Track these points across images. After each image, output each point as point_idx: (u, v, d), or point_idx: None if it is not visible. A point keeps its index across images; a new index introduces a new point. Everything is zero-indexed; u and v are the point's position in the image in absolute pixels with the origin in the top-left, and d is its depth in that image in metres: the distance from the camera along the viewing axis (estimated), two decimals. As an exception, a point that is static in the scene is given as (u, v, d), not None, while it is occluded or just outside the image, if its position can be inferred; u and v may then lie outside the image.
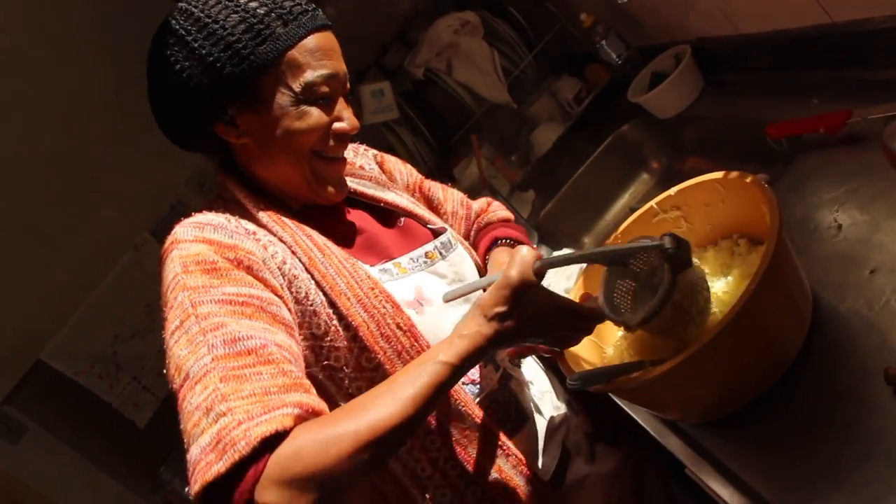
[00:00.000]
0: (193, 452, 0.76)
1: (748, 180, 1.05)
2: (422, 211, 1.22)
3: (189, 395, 0.80)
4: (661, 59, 1.93)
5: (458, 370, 0.86)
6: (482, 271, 1.23)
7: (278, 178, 1.05)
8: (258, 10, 0.96)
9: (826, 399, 0.91)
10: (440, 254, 1.13)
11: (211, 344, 0.82)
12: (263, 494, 0.73)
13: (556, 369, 1.24)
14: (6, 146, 2.42)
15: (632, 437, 1.25)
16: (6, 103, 2.39)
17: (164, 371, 0.86)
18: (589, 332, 0.98)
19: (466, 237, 1.38)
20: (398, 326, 0.97)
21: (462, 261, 1.16)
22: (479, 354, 0.88)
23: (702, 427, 1.04)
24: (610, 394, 1.17)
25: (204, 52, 0.95)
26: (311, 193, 1.06)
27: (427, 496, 1.00)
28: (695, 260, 0.95)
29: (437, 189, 1.38)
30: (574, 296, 1.18)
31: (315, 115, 0.99)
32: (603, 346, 1.18)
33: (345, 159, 1.09)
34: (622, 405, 1.21)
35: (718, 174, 1.11)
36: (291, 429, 0.77)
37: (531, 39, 2.47)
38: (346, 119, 1.03)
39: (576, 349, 1.13)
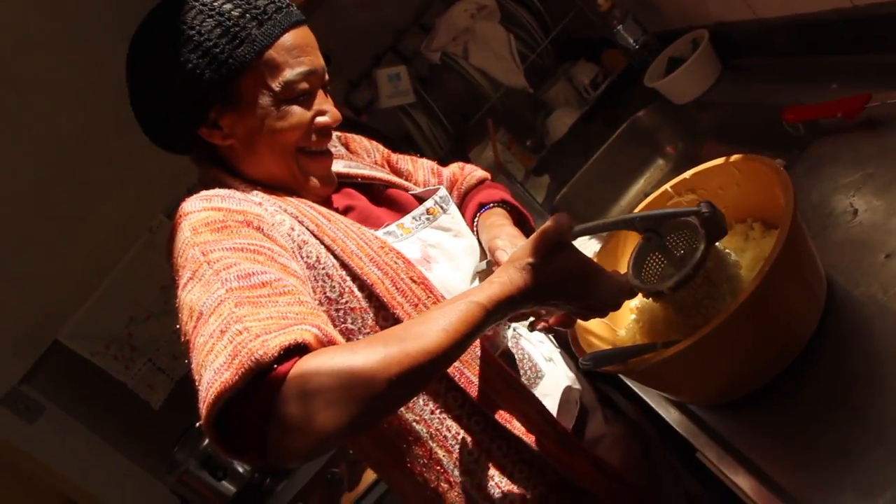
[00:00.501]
0: (206, 376, 0.71)
1: (763, 164, 1.04)
2: (400, 180, 1.23)
3: (202, 328, 0.76)
4: (679, 44, 1.91)
5: (489, 313, 0.82)
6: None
7: (266, 175, 1.05)
8: (233, 13, 0.96)
9: (839, 383, 0.90)
10: (441, 208, 1.14)
11: (224, 279, 0.80)
12: (283, 405, 0.68)
13: (565, 347, 1.25)
14: (24, 129, 2.44)
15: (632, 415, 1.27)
16: (25, 86, 2.41)
17: (178, 326, 0.83)
18: (618, 306, 0.95)
19: None
20: (412, 280, 0.98)
21: (460, 215, 1.17)
22: (510, 303, 0.85)
23: (713, 410, 1.03)
24: (621, 375, 1.18)
25: (183, 59, 0.95)
26: (299, 189, 1.07)
27: (453, 456, 1.00)
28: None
29: (404, 161, 1.37)
30: None
31: (297, 113, 1.00)
32: (615, 328, 1.18)
33: (330, 153, 1.10)
34: (635, 388, 1.21)
35: (734, 157, 1.10)
36: (310, 345, 0.73)
37: (548, 24, 2.46)
38: (327, 112, 1.04)
39: (589, 328, 1.13)
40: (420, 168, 1.38)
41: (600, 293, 0.92)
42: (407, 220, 1.10)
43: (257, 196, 1.00)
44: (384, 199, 1.18)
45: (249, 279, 0.80)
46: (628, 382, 1.22)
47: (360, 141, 1.35)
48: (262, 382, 0.69)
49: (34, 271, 2.56)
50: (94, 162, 2.54)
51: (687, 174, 1.18)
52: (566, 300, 0.91)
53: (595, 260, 1.18)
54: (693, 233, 0.93)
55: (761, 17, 1.66)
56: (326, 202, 1.12)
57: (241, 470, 2.36)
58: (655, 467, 1.20)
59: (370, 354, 0.72)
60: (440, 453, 1.00)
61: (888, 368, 0.85)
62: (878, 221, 1.04)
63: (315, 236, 0.98)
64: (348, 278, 0.97)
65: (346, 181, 1.18)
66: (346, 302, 0.97)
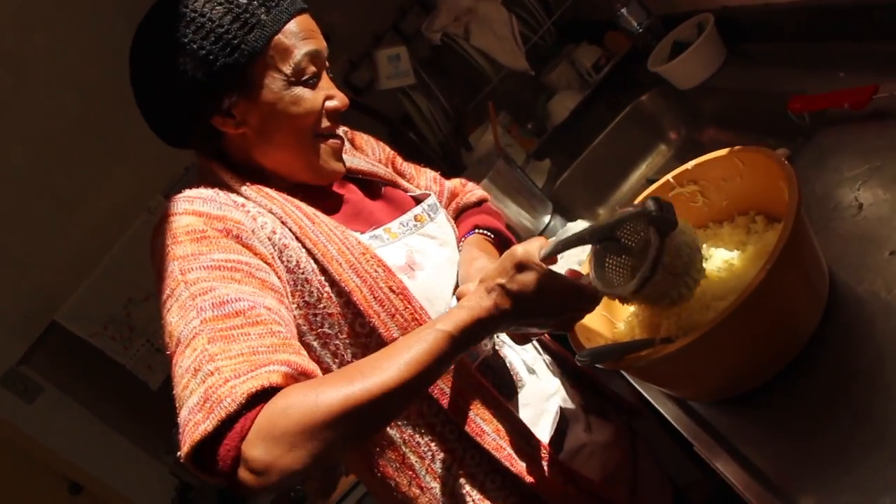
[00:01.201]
0: (183, 414, 0.76)
1: (767, 156, 1.02)
2: (400, 180, 1.22)
3: (180, 359, 0.80)
4: (683, 28, 1.88)
5: (456, 341, 0.84)
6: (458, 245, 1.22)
7: (277, 163, 1.05)
8: (241, 0, 0.95)
9: (839, 382, 0.89)
10: (428, 216, 1.14)
11: (199, 307, 0.82)
12: (250, 449, 0.72)
13: (547, 346, 1.24)
14: (23, 109, 2.43)
15: (620, 412, 1.26)
16: (23, 66, 2.40)
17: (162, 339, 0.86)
18: (590, 311, 0.96)
19: None
20: (391, 289, 0.97)
21: (447, 225, 1.17)
22: (478, 327, 0.86)
23: (712, 406, 1.02)
24: (622, 370, 1.17)
25: (195, 45, 0.94)
26: (312, 174, 1.07)
27: (426, 462, 1.01)
28: (683, 222, 0.92)
29: (408, 165, 1.37)
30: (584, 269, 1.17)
31: (309, 96, 1.00)
32: (614, 321, 1.16)
33: (342, 137, 1.09)
34: (633, 382, 1.20)
35: (737, 148, 1.08)
36: (279, 386, 0.76)
37: (550, 5, 2.42)
38: (335, 96, 1.04)
39: (587, 323, 1.11)
40: (423, 174, 1.38)
41: (570, 305, 0.92)
42: (394, 224, 1.09)
43: (241, 197, 0.99)
44: (381, 196, 1.17)
45: (223, 307, 0.82)
46: (627, 377, 1.21)
47: (366, 139, 1.34)
48: (231, 427, 0.73)
49: (32, 252, 2.55)
50: (92, 142, 2.53)
51: (689, 165, 1.16)
52: (539, 317, 0.92)
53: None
54: (645, 223, 0.91)
55: (768, 1, 1.63)
56: (327, 188, 1.12)
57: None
58: (638, 472, 1.20)
59: (332, 395, 0.76)
60: (412, 458, 1.01)
61: (890, 368, 0.84)
62: (884, 216, 1.02)
63: (297, 238, 0.98)
64: (327, 284, 0.97)
65: (354, 178, 1.18)
66: (324, 307, 0.97)
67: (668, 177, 1.18)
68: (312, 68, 1.00)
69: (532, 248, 0.90)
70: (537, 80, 2.45)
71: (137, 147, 2.53)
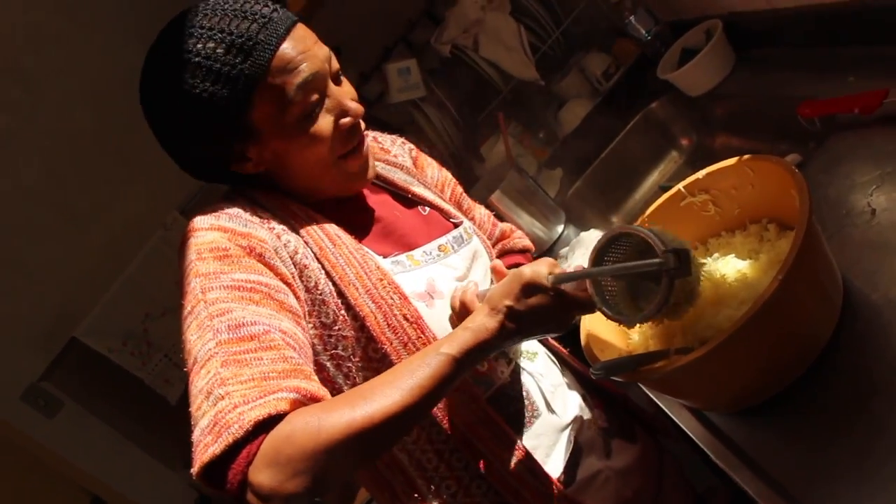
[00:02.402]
0: (195, 434, 0.78)
1: (777, 164, 1.02)
2: (446, 205, 1.21)
3: (195, 378, 0.82)
4: (692, 35, 1.88)
5: (460, 363, 0.86)
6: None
7: (307, 185, 1.05)
8: (217, 52, 0.92)
9: (856, 390, 0.89)
10: (452, 248, 1.13)
11: (216, 329, 0.83)
12: (256, 475, 0.74)
13: (570, 364, 1.23)
14: (39, 126, 2.44)
15: (650, 432, 1.24)
16: (39, 83, 2.41)
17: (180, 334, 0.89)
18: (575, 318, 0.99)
19: None
20: (405, 318, 0.98)
21: (475, 258, 1.15)
22: (483, 348, 0.88)
23: (728, 416, 1.02)
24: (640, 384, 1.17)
25: (186, 116, 0.95)
26: (339, 190, 1.07)
27: (432, 487, 1.01)
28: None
29: (466, 198, 1.39)
30: None
31: (318, 130, 0.98)
32: (628, 332, 1.16)
33: (364, 141, 1.06)
34: (649, 393, 1.20)
35: (747, 157, 1.08)
36: (287, 412, 0.78)
37: (559, 15, 2.42)
38: (348, 110, 1.01)
39: (601, 335, 1.12)
40: (478, 210, 1.41)
41: (573, 317, 0.96)
42: (418, 252, 1.09)
43: (267, 214, 1.00)
44: (419, 215, 1.17)
45: (239, 331, 0.83)
46: (642, 387, 1.20)
47: (430, 162, 1.35)
48: (239, 451, 0.76)
49: (50, 269, 2.57)
50: (107, 158, 2.54)
51: (700, 174, 1.16)
52: (542, 333, 0.95)
53: None
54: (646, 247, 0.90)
55: (776, 6, 1.63)
56: (360, 201, 1.13)
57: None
58: (662, 495, 1.18)
59: (335, 422, 0.77)
60: (419, 482, 1.01)
61: (907, 377, 0.84)
62: (897, 222, 1.02)
63: (318, 259, 0.98)
64: (343, 307, 0.97)
65: (391, 189, 1.18)
66: (339, 329, 0.97)
67: (680, 186, 1.18)
68: (313, 96, 0.97)
69: (541, 271, 0.91)
70: (547, 90, 2.45)
71: (153, 163, 2.52)
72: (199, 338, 0.84)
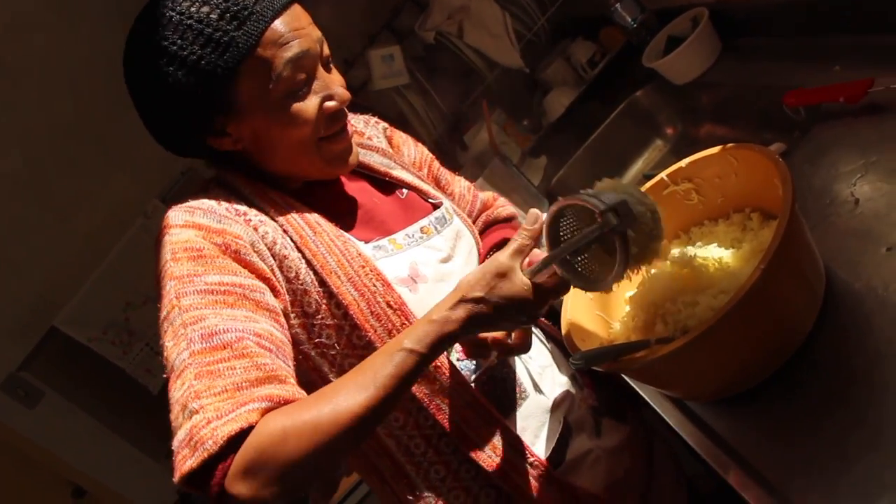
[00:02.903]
0: (175, 444, 0.80)
1: (761, 153, 1.01)
2: (425, 186, 1.20)
3: (172, 388, 0.84)
4: (678, 23, 1.87)
5: (423, 357, 0.86)
6: (481, 258, 1.21)
7: (286, 168, 1.04)
8: (211, 17, 0.91)
9: (837, 381, 0.88)
10: (435, 229, 1.12)
11: (190, 338, 0.84)
12: (232, 486, 0.77)
13: (560, 342, 1.22)
14: (17, 113, 2.41)
15: (639, 413, 1.23)
16: (17, 71, 2.38)
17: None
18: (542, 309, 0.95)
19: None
20: (388, 305, 0.97)
21: (458, 237, 1.14)
22: (447, 339, 0.87)
23: (709, 406, 1.02)
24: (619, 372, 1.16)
25: (171, 80, 0.92)
26: (320, 174, 1.06)
27: (421, 472, 1.01)
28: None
29: (445, 172, 1.36)
30: None
31: (301, 108, 0.96)
32: (610, 320, 1.16)
33: (347, 130, 1.05)
34: (630, 382, 1.19)
35: (730, 146, 1.07)
36: (257, 424, 0.80)
37: (544, 2, 2.41)
38: (334, 94, 0.99)
39: (582, 325, 1.11)
40: (458, 183, 1.38)
41: (545, 306, 0.93)
42: (400, 236, 1.07)
43: (243, 206, 0.99)
44: (398, 198, 1.16)
45: (212, 339, 0.84)
46: (625, 378, 1.20)
47: (405, 139, 1.32)
48: (216, 465, 0.78)
49: (29, 257, 2.54)
50: (87, 146, 2.51)
51: (683, 163, 1.15)
52: (512, 323, 0.93)
53: None
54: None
55: (762, -6, 1.63)
56: (339, 187, 1.11)
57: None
58: (653, 474, 1.18)
59: (301, 427, 0.79)
60: (408, 468, 1.02)
61: (888, 367, 0.83)
62: (881, 212, 1.01)
63: (298, 249, 0.97)
64: (325, 296, 0.96)
65: (369, 175, 1.17)
66: (322, 318, 0.96)
67: (662, 175, 1.18)
68: (300, 75, 0.95)
69: (514, 262, 0.90)
70: (532, 77, 2.44)
71: (133, 151, 2.52)
72: (175, 346, 0.85)
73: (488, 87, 2.39)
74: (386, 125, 1.32)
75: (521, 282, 0.89)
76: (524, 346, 1.02)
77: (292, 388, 0.85)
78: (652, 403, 1.12)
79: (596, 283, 0.91)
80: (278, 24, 0.93)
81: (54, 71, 2.42)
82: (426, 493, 1.01)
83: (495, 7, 2.32)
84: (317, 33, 0.99)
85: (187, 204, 0.97)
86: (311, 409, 0.81)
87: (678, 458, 1.28)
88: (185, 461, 0.78)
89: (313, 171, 1.05)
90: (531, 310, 0.91)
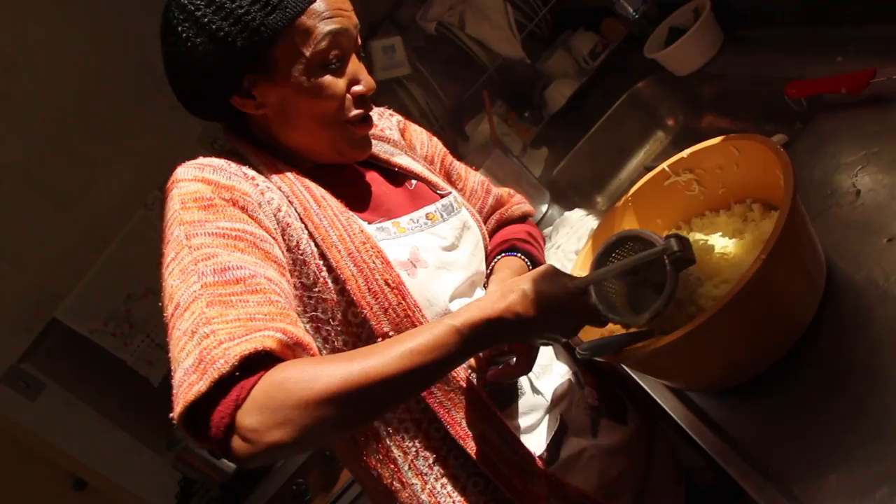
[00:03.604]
0: (178, 375, 0.76)
1: (763, 143, 1.01)
2: (434, 178, 1.20)
3: (178, 322, 0.81)
4: (680, 14, 1.86)
5: (464, 337, 0.84)
6: (488, 259, 1.21)
7: (302, 144, 1.05)
8: None
9: (837, 372, 0.88)
10: (441, 216, 1.12)
11: (201, 272, 0.83)
12: (244, 418, 0.73)
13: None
14: (19, 104, 2.41)
15: (642, 413, 1.23)
16: (18, 61, 2.38)
17: (160, 303, 0.87)
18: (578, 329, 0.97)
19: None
20: (386, 283, 0.96)
21: (465, 228, 1.14)
22: (487, 328, 0.86)
23: (710, 397, 1.02)
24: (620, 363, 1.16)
25: (214, 27, 0.94)
26: (336, 155, 1.06)
27: (409, 457, 1.01)
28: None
29: (459, 166, 1.36)
30: (583, 259, 1.18)
31: (330, 83, 0.99)
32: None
33: (372, 121, 1.08)
34: (632, 374, 1.19)
35: (732, 136, 1.07)
36: (273, 351, 0.77)
37: (546, -7, 2.40)
38: (361, 80, 1.02)
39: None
40: (471, 177, 1.37)
41: (579, 325, 0.95)
42: (404, 220, 1.07)
43: (252, 170, 0.99)
44: (407, 189, 1.16)
45: (224, 274, 0.82)
46: (626, 369, 1.20)
47: (418, 132, 1.33)
48: (225, 388, 0.74)
49: (30, 249, 2.54)
50: (88, 137, 2.51)
51: (685, 153, 1.15)
52: (547, 331, 0.93)
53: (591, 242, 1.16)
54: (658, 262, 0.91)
55: (764, -15, 1.62)
56: (350, 172, 1.12)
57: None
58: (651, 476, 1.18)
59: (331, 374, 0.76)
60: (396, 453, 1.01)
61: (888, 358, 0.83)
62: (882, 203, 1.01)
63: (301, 219, 0.98)
64: (324, 269, 0.96)
65: (379, 165, 1.17)
66: (319, 292, 0.96)
67: (664, 165, 1.17)
68: (336, 51, 0.98)
69: (564, 273, 0.92)
70: (533, 68, 2.43)
71: (134, 143, 2.54)
72: (183, 282, 0.83)
73: (489, 78, 2.38)
74: (400, 118, 1.32)
75: (572, 287, 0.91)
76: (527, 367, 1.02)
77: (304, 332, 0.83)
78: (654, 395, 1.12)
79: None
80: (327, 0, 0.97)
81: (54, 61, 2.41)
82: (413, 481, 1.01)
83: (497, -2, 2.31)
84: (356, 21, 1.02)
85: (197, 161, 0.97)
86: (343, 360, 0.79)
87: (677, 454, 1.28)
88: (192, 387, 0.73)
89: (329, 152, 1.06)
90: (572, 321, 0.93)
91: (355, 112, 1.02)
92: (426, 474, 1.00)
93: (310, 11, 0.95)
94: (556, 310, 0.89)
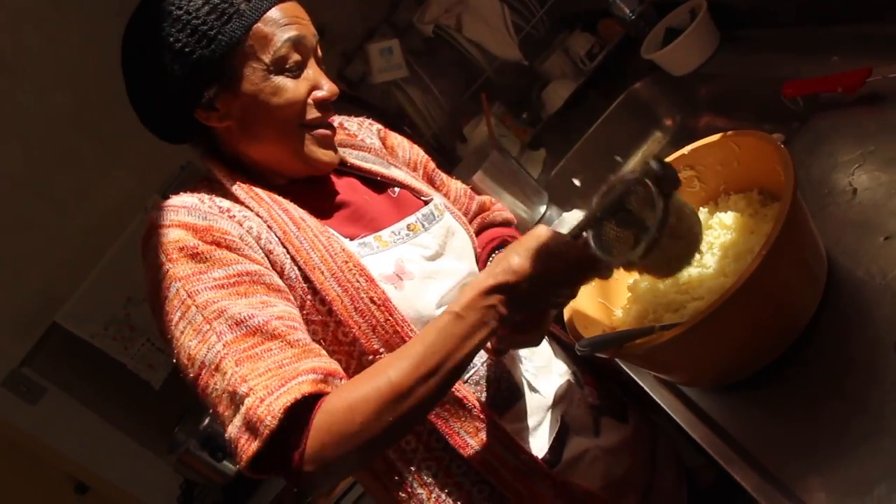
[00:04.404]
0: (231, 433, 0.83)
1: (762, 139, 1.02)
2: (417, 184, 1.20)
3: (210, 381, 0.85)
4: (676, 14, 1.87)
5: (464, 320, 0.86)
6: (479, 260, 1.21)
7: (267, 156, 1.05)
8: None
9: (836, 369, 0.89)
10: (422, 225, 1.11)
11: (218, 331, 0.86)
12: (309, 466, 0.81)
13: (562, 341, 1.23)
14: (18, 108, 2.42)
15: (643, 411, 1.23)
16: (16, 66, 2.38)
17: (174, 360, 0.90)
18: (602, 277, 0.93)
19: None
20: (372, 301, 0.97)
21: (449, 234, 1.14)
22: (488, 299, 0.86)
23: (709, 394, 1.03)
24: (617, 360, 1.17)
25: (172, 39, 0.95)
26: (299, 165, 1.06)
27: (412, 469, 1.01)
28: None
29: (440, 174, 1.37)
30: None
31: (291, 86, 0.99)
32: (612, 308, 1.17)
33: (334, 128, 1.08)
34: (630, 373, 1.20)
35: (732, 133, 1.08)
36: (310, 394, 0.82)
37: (543, -6, 2.41)
38: (324, 86, 1.03)
39: (585, 311, 1.12)
40: (453, 184, 1.39)
41: (583, 277, 0.92)
42: (385, 233, 1.07)
43: (227, 202, 0.99)
44: (390, 197, 1.16)
45: (240, 328, 0.86)
46: (623, 366, 1.21)
47: (399, 140, 1.33)
48: (280, 439, 0.81)
49: (30, 253, 2.54)
50: (87, 142, 2.51)
51: (685, 150, 1.16)
52: (552, 293, 0.91)
53: None
54: (645, 190, 0.89)
55: (760, -15, 1.63)
56: (327, 185, 1.11)
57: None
58: (655, 474, 1.18)
59: (366, 399, 0.82)
60: (399, 465, 1.01)
61: (886, 356, 0.84)
62: (879, 201, 1.02)
63: (282, 244, 0.98)
64: (310, 292, 0.97)
65: (356, 174, 1.17)
66: (307, 314, 0.97)
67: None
68: (295, 56, 0.99)
69: (553, 231, 0.90)
70: (531, 70, 2.44)
71: (133, 146, 2.53)
72: (202, 342, 0.86)
73: (487, 79, 2.39)
74: (380, 126, 1.32)
75: (564, 242, 0.89)
76: (538, 334, 1.00)
77: (329, 360, 0.89)
78: (652, 394, 1.12)
79: (625, 256, 0.90)
80: (283, 9, 0.99)
81: (52, 66, 2.42)
82: (418, 491, 1.01)
83: (494, 0, 2.32)
84: (313, 30, 1.03)
85: (170, 202, 0.97)
86: (368, 381, 0.84)
87: (679, 453, 1.28)
88: (249, 445, 0.80)
89: (295, 162, 1.05)
90: (574, 270, 0.90)
91: (314, 115, 1.02)
92: (431, 484, 1.01)
93: (266, 19, 0.97)
94: (553, 259, 0.88)
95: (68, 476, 2.72)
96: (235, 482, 2.45)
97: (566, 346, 1.22)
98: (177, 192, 0.99)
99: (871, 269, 0.94)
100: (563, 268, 0.89)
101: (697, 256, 1.02)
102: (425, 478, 1.01)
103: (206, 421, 2.33)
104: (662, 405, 1.09)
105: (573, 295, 0.95)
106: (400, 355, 0.86)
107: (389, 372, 0.83)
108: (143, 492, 2.79)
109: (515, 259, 0.87)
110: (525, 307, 0.90)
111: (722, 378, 1.00)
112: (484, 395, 1.04)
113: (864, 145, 1.12)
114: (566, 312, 1.10)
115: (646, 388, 1.14)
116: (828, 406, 0.87)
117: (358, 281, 0.97)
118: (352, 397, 0.82)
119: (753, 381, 0.96)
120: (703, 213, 1.16)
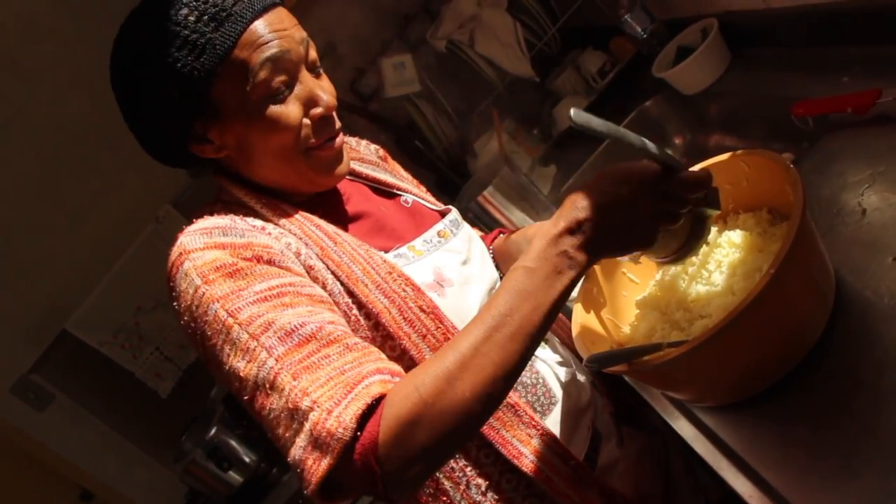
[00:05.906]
0: (295, 454, 0.75)
1: (771, 159, 1.02)
2: (427, 195, 1.21)
3: (266, 402, 0.78)
4: (688, 33, 1.88)
5: (535, 272, 0.79)
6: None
7: (272, 178, 1.01)
8: (189, 19, 0.89)
9: (844, 389, 0.88)
10: (451, 231, 1.11)
11: (267, 346, 0.79)
12: (387, 466, 0.72)
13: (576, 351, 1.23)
14: (31, 117, 2.45)
15: (651, 425, 1.23)
16: (31, 74, 2.41)
17: (224, 387, 0.84)
18: (684, 205, 0.86)
19: None
20: (421, 309, 0.93)
21: (471, 240, 1.14)
22: (556, 248, 0.80)
23: (714, 412, 1.02)
24: (625, 377, 1.17)
25: (148, 80, 0.91)
26: (309, 185, 1.03)
27: (461, 487, 0.96)
28: None
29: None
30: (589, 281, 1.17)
31: (281, 115, 0.93)
32: (620, 324, 1.17)
33: (338, 134, 1.01)
34: (636, 388, 1.19)
35: (741, 152, 1.08)
36: (381, 395, 0.75)
37: (555, 11, 2.43)
38: (320, 99, 0.96)
39: (592, 327, 1.11)
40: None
41: (650, 189, 0.84)
42: (418, 242, 1.05)
43: (259, 221, 0.95)
44: (403, 208, 1.15)
45: (291, 338, 0.79)
46: (631, 383, 1.20)
47: (395, 164, 1.33)
48: (353, 453, 0.73)
49: (41, 261, 2.57)
50: (100, 151, 2.54)
51: (695, 169, 1.16)
52: (626, 230, 0.83)
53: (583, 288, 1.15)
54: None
55: (772, 6, 1.63)
56: (342, 199, 1.09)
57: (246, 460, 2.37)
58: (671, 482, 1.17)
59: (434, 381, 0.74)
60: (447, 485, 0.96)
61: (894, 377, 0.83)
62: (888, 222, 1.01)
63: (321, 260, 0.94)
64: (354, 307, 0.93)
65: (368, 184, 1.16)
66: (353, 330, 0.91)
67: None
68: (280, 77, 0.92)
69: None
70: (542, 87, 2.45)
71: (146, 156, 2.55)
72: (251, 361, 0.79)
73: (499, 95, 2.40)
74: (378, 147, 1.32)
75: (624, 164, 0.84)
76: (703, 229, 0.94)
77: (390, 361, 0.82)
78: (658, 410, 1.12)
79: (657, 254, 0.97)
80: (258, 26, 0.91)
81: (68, 75, 2.44)
82: None
83: (506, 17, 2.34)
84: (301, 35, 0.96)
85: (199, 226, 0.91)
86: (435, 362, 0.76)
87: (691, 465, 1.28)
88: (318, 465, 0.73)
89: (301, 183, 1.01)
90: (649, 188, 0.82)
91: (313, 140, 0.97)
92: (480, 502, 0.96)
93: (242, 43, 0.90)
94: (621, 184, 0.82)
95: (74, 484, 2.73)
96: (240, 493, 2.45)
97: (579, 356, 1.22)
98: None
99: (879, 290, 0.94)
100: (635, 187, 0.82)
101: (706, 274, 1.05)
102: (475, 496, 0.96)
103: (213, 431, 2.33)
104: (669, 422, 1.08)
105: (670, 210, 0.86)
106: (469, 327, 0.77)
107: (460, 344, 0.76)
108: (147, 501, 2.80)
109: (580, 196, 0.81)
110: (610, 243, 0.83)
111: (730, 395, 1.00)
112: (523, 400, 1.01)
113: (873, 166, 1.12)
114: (574, 328, 1.10)
115: (652, 403, 1.14)
116: (835, 426, 0.86)
117: (404, 290, 0.94)
118: (418, 381, 0.74)
119: (761, 400, 0.96)
120: (712, 231, 1.16)
